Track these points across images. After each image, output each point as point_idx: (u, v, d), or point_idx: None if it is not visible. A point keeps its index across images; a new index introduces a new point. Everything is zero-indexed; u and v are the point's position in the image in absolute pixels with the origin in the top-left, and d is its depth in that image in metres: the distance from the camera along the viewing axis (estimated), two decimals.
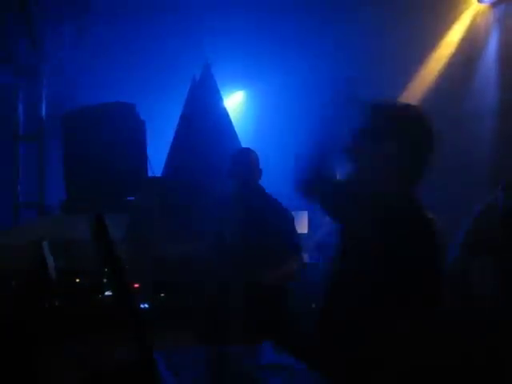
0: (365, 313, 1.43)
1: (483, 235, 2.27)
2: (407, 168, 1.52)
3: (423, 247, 1.46)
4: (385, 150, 1.49)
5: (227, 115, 4.32)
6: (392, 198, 1.50)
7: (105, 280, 2.47)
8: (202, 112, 4.19)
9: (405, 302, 1.42)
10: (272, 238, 2.68)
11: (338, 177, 1.65)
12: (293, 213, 2.92)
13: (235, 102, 6.19)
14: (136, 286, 2.85)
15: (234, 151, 2.96)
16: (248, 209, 2.73)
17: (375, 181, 1.53)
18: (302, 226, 4.64)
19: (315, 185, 1.59)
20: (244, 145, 4.09)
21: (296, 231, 2.89)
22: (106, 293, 2.43)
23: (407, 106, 1.60)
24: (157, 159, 4.03)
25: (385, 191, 1.51)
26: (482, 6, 3.94)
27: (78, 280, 2.54)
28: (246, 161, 2.80)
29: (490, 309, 2.12)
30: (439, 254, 1.51)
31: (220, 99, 4.37)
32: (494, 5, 3.87)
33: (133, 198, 3.67)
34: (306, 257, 4.49)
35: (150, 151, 3.77)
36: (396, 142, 1.49)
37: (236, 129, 4.29)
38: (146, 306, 2.87)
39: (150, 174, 3.78)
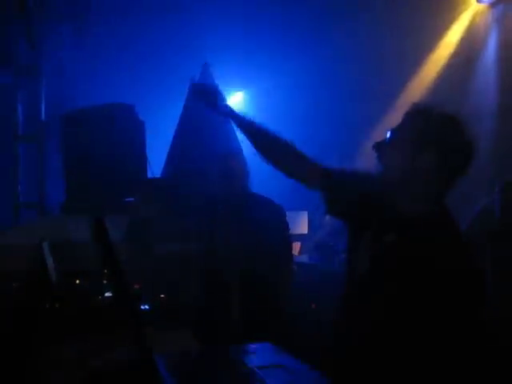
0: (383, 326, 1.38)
1: (480, 235, 2.27)
2: (442, 180, 1.42)
3: (449, 258, 1.35)
4: (421, 163, 1.40)
5: None
6: (422, 207, 1.42)
7: (105, 281, 2.48)
8: (201, 113, 4.20)
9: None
10: (264, 235, 2.67)
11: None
12: (293, 213, 2.91)
13: (234, 102, 6.19)
14: (136, 286, 2.86)
15: (220, 156, 2.92)
16: (237, 211, 2.73)
17: (401, 185, 1.45)
18: (302, 226, 4.65)
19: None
20: (244, 145, 4.09)
21: (288, 225, 2.86)
22: (106, 294, 2.43)
23: (450, 116, 1.46)
24: (156, 160, 4.03)
25: (415, 199, 1.43)
26: (481, 6, 3.93)
27: (77, 281, 2.54)
28: (232, 165, 2.78)
29: (488, 308, 2.13)
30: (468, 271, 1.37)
31: None
32: (492, 5, 3.86)
33: (132, 199, 3.67)
34: (305, 257, 4.50)
35: (149, 152, 3.78)
36: (435, 153, 1.39)
37: (235, 129, 4.29)
38: (146, 306, 2.87)
39: (149, 174, 3.78)
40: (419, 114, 1.47)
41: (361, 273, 1.46)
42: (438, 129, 1.42)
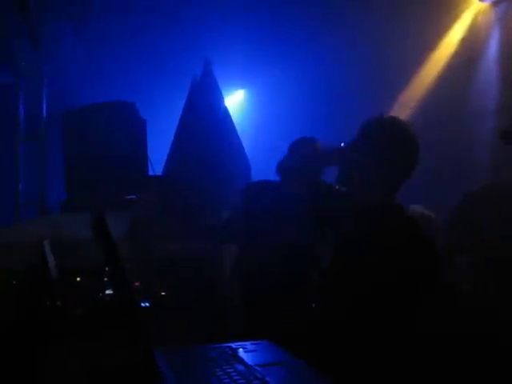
0: (356, 312, 1.49)
1: (459, 235, 2.33)
2: (389, 178, 1.74)
3: (406, 241, 1.60)
4: (369, 163, 1.74)
5: (228, 114, 4.33)
6: (375, 200, 1.73)
7: (106, 279, 2.48)
8: (202, 111, 4.20)
9: (396, 302, 1.50)
10: None
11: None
12: None
13: (236, 100, 6.20)
14: (137, 284, 2.86)
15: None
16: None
17: (360, 185, 1.78)
18: None
19: None
20: (244, 144, 4.10)
21: None
22: (107, 291, 2.44)
23: (392, 123, 1.80)
24: (157, 158, 4.04)
25: (368, 195, 1.75)
26: (483, 5, 3.92)
27: (78, 279, 2.54)
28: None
29: (476, 303, 2.16)
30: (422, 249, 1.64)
31: (221, 98, 4.37)
32: (495, 4, 3.85)
33: (133, 197, 3.68)
34: None
35: (150, 150, 3.78)
36: (378, 156, 1.73)
37: (236, 127, 4.29)
38: (147, 304, 2.88)
39: (150, 172, 3.79)
40: (367, 125, 1.84)
41: (329, 262, 1.77)
42: (392, 136, 1.75)
